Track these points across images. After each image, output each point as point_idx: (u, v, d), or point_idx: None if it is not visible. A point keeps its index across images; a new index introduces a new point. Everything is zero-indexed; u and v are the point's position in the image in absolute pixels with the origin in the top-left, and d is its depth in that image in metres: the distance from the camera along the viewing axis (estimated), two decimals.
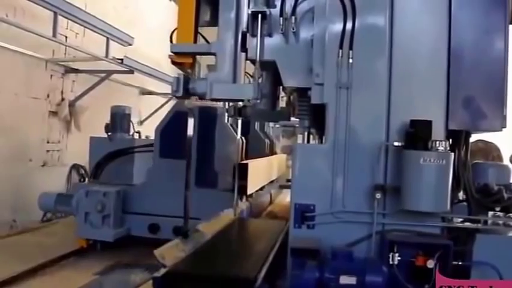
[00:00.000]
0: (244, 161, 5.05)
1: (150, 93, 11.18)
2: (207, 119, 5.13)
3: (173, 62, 3.37)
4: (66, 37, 7.80)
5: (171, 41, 3.50)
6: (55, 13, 6.62)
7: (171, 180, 4.89)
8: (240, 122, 5.18)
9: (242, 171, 4.83)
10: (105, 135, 6.08)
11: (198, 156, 5.03)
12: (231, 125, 5.25)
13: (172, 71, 4.52)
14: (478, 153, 4.17)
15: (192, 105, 4.15)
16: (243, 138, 5.33)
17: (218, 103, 5.01)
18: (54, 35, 6.67)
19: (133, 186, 5.41)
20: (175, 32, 3.34)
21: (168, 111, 5.47)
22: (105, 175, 5.83)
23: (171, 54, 3.38)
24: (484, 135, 4.27)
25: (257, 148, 6.47)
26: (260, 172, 5.93)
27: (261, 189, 6.14)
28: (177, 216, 4.61)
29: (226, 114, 5.05)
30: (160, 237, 4.78)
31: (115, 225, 4.91)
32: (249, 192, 5.02)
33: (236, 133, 5.16)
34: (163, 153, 5.25)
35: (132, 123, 6.44)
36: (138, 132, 6.72)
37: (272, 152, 7.51)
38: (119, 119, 6.19)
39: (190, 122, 3.74)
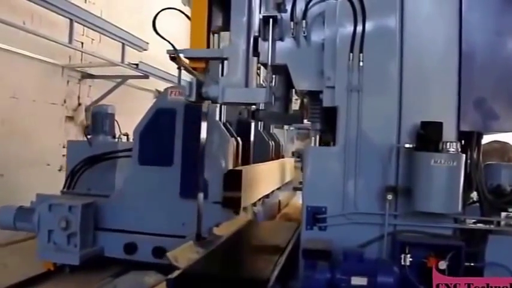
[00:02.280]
0: (238, 168, 4.38)
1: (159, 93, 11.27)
2: (195, 117, 4.16)
3: (171, 58, 3.43)
4: (82, 43, 7.91)
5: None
6: (71, 20, 6.73)
7: (151, 191, 4.39)
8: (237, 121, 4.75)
9: (234, 180, 4.15)
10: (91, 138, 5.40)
11: (183, 161, 4.35)
12: (225, 125, 4.54)
13: (186, 75, 4.40)
14: (493, 154, 4.15)
15: (174, 100, 4.10)
16: (238, 139, 4.66)
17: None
18: (70, 41, 6.78)
19: (108, 199, 4.60)
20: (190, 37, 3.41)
21: (149, 108, 4.68)
22: (82, 184, 5.12)
23: (169, 50, 3.41)
24: (499, 136, 4.25)
25: (260, 151, 5.81)
26: (262, 179, 5.26)
27: (267, 196, 5.56)
28: (158, 234, 4.26)
29: (217, 110, 4.35)
30: (138, 258, 4.24)
31: (83, 245, 4.17)
32: (243, 205, 4.24)
33: (231, 134, 4.52)
34: (143, 159, 4.51)
35: (118, 125, 5.66)
36: (126, 134, 5.72)
37: (278, 156, 6.78)
38: (101, 120, 5.49)
39: (204, 125, 3.70)
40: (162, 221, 4.28)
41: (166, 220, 4.32)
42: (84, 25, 7.30)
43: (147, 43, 8.67)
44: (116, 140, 5.47)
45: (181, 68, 4.17)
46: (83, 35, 7.94)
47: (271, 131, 6.78)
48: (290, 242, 3.51)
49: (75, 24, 6.87)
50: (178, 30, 4.30)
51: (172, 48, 3.24)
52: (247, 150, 5.16)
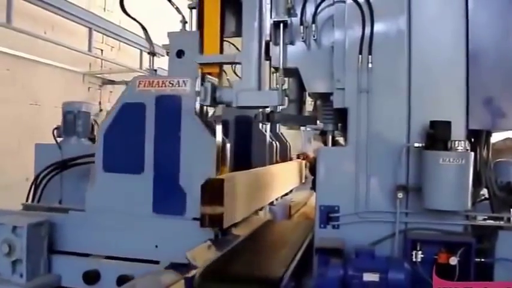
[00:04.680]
0: (219, 176, 3.56)
1: None
2: (170, 112, 3.61)
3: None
4: (102, 50, 8.10)
5: None
6: (90, 29, 6.90)
7: (118, 204, 3.68)
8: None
9: (214, 191, 3.37)
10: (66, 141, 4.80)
11: (156, 167, 3.64)
12: (207, 123, 3.68)
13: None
14: (506, 151, 4.16)
15: (144, 92, 3.44)
16: (225, 139, 3.88)
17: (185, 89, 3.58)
18: (89, 49, 6.97)
19: (66, 215, 3.82)
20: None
21: (115, 103, 3.91)
22: (52, 195, 4.47)
23: (165, 44, 3.72)
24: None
25: (261, 153, 5.18)
26: (258, 188, 4.51)
27: (271, 203, 5.00)
28: (126, 258, 3.60)
29: (197, 102, 3.54)
30: None
31: (32, 274, 3.43)
32: (225, 225, 3.44)
33: (214, 133, 3.66)
34: (107, 165, 3.76)
35: (97, 124, 4.98)
36: None
37: (286, 158, 6.12)
38: (72, 120, 4.83)
39: (219, 129, 3.67)
40: (130, 242, 3.61)
41: (135, 241, 3.63)
42: (103, 33, 7.49)
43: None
44: (91, 142, 4.84)
45: (154, 54, 4.18)
46: (102, 42, 8.14)
47: (277, 131, 6.18)
48: (305, 241, 3.58)
49: (94, 33, 7.06)
50: None
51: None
52: (245, 153, 4.77)
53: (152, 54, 4.29)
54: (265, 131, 5.44)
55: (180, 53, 3.63)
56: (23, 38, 6.38)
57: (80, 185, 4.07)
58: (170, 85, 3.61)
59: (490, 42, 2.91)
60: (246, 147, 4.68)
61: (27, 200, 4.48)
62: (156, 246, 3.55)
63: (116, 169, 3.72)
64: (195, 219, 3.44)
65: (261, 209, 4.71)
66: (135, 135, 3.63)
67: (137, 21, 4.16)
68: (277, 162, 5.65)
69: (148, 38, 4.25)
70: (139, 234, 3.61)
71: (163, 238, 3.54)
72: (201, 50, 3.56)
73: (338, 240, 2.93)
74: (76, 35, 7.26)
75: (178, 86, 3.58)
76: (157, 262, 3.45)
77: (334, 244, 2.86)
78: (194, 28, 3.72)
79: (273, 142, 5.64)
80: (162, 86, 3.61)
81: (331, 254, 2.75)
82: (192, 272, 2.86)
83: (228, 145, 3.93)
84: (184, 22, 3.81)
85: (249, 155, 4.77)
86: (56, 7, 6.64)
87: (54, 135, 4.72)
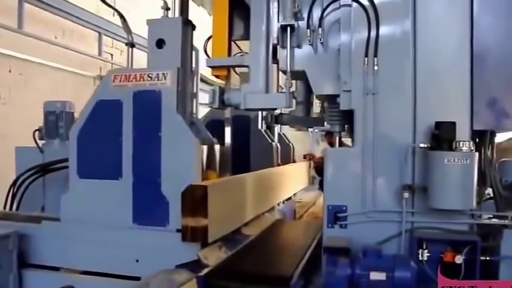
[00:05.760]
0: (202, 183, 3.25)
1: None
2: (150, 110, 3.32)
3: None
4: (111, 55, 8.20)
5: (205, 52, 3.68)
6: (99, 33, 6.99)
7: (95, 214, 3.42)
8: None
9: (196, 200, 3.07)
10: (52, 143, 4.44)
11: (136, 173, 3.35)
12: (192, 122, 3.42)
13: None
14: (511, 151, 4.18)
15: (120, 88, 3.13)
16: (214, 140, 3.64)
17: (165, 83, 3.35)
18: (99, 53, 7.06)
19: (39, 226, 3.58)
20: (210, 44, 3.57)
21: (88, 101, 3.54)
22: (35, 202, 4.20)
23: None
24: None
25: (260, 155, 4.90)
26: (254, 194, 4.19)
27: (272, 208, 4.73)
28: (104, 274, 3.35)
29: (173, 98, 3.27)
30: None
31: None
32: (210, 240, 3.18)
33: (199, 133, 3.43)
34: (82, 170, 3.47)
35: None
36: None
37: (288, 160, 5.86)
38: (54, 121, 4.46)
39: (228, 130, 3.78)
40: (108, 256, 3.33)
41: (114, 255, 3.36)
42: (112, 38, 7.57)
43: None
44: None
45: (133, 45, 3.96)
46: (112, 47, 8.23)
47: (279, 132, 5.93)
48: (314, 240, 3.63)
49: (104, 37, 7.15)
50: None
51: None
52: (243, 156, 4.50)
53: (131, 45, 4.07)
54: (264, 132, 5.18)
55: (160, 43, 3.42)
56: (34, 43, 6.48)
57: (63, 191, 3.71)
58: (149, 79, 3.34)
59: (494, 44, 2.94)
60: (244, 148, 4.42)
61: (4, 207, 4.24)
62: (137, 261, 3.32)
63: (91, 175, 3.45)
64: (179, 230, 3.18)
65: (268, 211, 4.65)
66: (111, 137, 3.34)
67: (115, 9, 4.01)
68: (278, 164, 5.41)
69: (126, 27, 3.97)
70: (118, 248, 3.36)
71: (144, 252, 3.29)
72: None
73: (346, 239, 2.98)
74: (86, 40, 7.37)
75: (158, 79, 3.32)
76: (138, 278, 3.20)
77: (341, 243, 2.91)
78: (177, 15, 3.54)
79: (273, 143, 5.38)
80: (139, 80, 3.33)
81: (339, 253, 2.79)
82: (204, 271, 2.93)
83: (217, 146, 3.63)
84: (166, 8, 3.60)
85: (247, 157, 4.52)
86: (66, 12, 6.74)
87: (34, 138, 4.41)
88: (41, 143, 4.51)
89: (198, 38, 3.78)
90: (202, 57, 3.80)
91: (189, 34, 3.62)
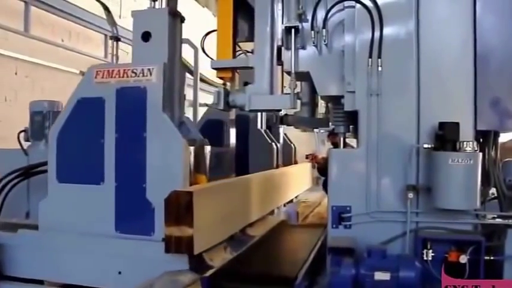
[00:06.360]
0: (188, 188, 3.03)
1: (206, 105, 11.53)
2: (134, 108, 3.11)
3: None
4: (118, 57, 8.23)
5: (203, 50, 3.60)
6: (106, 36, 7.05)
7: (75, 222, 3.19)
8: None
9: (180, 208, 2.82)
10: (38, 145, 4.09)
11: (119, 177, 3.13)
12: (182, 122, 3.24)
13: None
14: None
15: (103, 85, 2.87)
16: (205, 141, 3.40)
17: (150, 79, 3.16)
18: (105, 56, 7.10)
19: (14, 235, 3.35)
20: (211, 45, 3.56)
21: (68, 99, 3.34)
22: (19, 208, 3.91)
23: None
24: None
25: (260, 155, 4.66)
26: (251, 198, 3.98)
27: (271, 213, 4.52)
28: (83, 287, 3.15)
29: (158, 94, 3.06)
30: None
31: None
32: (197, 251, 2.93)
33: (189, 133, 3.19)
34: (62, 174, 3.25)
35: None
36: None
37: (290, 161, 5.64)
38: (41, 122, 4.13)
39: (233, 132, 3.77)
40: (90, 268, 3.12)
41: (96, 267, 3.15)
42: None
43: None
44: None
45: (118, 39, 3.73)
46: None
47: (280, 132, 5.65)
48: (319, 240, 3.65)
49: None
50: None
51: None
52: (242, 156, 4.31)
53: (116, 39, 3.89)
54: (264, 132, 4.96)
55: (146, 36, 3.25)
56: (41, 46, 6.53)
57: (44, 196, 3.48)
58: (133, 75, 3.14)
59: (497, 44, 2.95)
60: (243, 149, 4.16)
61: None
62: (120, 273, 3.11)
63: (71, 179, 3.22)
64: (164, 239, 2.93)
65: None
66: (92, 138, 3.13)
67: (99, 1, 3.85)
68: (278, 165, 5.19)
69: (110, 19, 3.82)
70: (99, 258, 3.14)
71: (127, 263, 3.07)
72: None
73: (350, 239, 2.99)
74: (92, 42, 7.42)
75: (143, 75, 3.12)
76: None
77: (346, 243, 2.92)
78: (164, 5, 3.38)
79: (272, 143, 5.12)
80: (123, 76, 3.13)
81: (343, 253, 2.81)
82: (209, 272, 2.95)
83: (208, 148, 3.37)
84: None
85: (246, 157, 4.27)
86: (72, 15, 6.79)
87: (19, 140, 4.12)
88: (27, 144, 4.24)
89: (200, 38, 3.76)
90: (202, 57, 3.80)
91: (177, 26, 3.43)
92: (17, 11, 6.46)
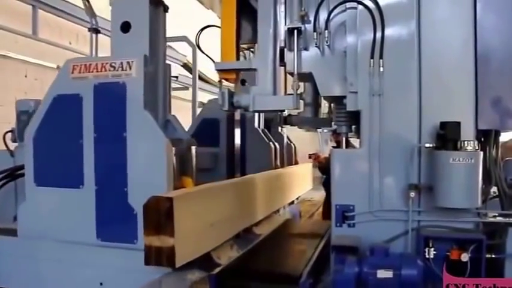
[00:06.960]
0: (169, 193, 2.78)
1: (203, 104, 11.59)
2: (113, 105, 2.89)
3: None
4: (97, 50, 8.30)
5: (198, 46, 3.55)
6: None
7: (54, 228, 2.99)
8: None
9: (160, 215, 2.56)
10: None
11: (98, 180, 2.92)
12: (167, 120, 3.07)
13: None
14: None
15: (79, 81, 2.64)
16: (192, 140, 3.19)
17: (130, 73, 2.96)
18: None
19: None
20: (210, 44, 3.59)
21: (44, 96, 3.16)
22: (6, 211, 3.72)
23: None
24: None
25: (257, 155, 4.48)
26: (250, 200, 3.81)
27: (271, 215, 4.40)
28: None
29: (140, 91, 2.83)
30: None
31: None
32: (179, 263, 2.70)
33: (175, 132, 2.99)
34: (40, 177, 3.06)
35: None
36: None
37: (291, 161, 5.50)
38: (27, 122, 3.69)
39: (237, 132, 3.80)
40: (69, 278, 2.92)
41: (76, 277, 2.96)
42: None
43: (185, 55, 8.99)
44: None
45: (97, 31, 3.49)
46: None
47: (280, 131, 5.47)
48: (323, 239, 3.69)
49: None
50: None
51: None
52: (241, 157, 4.10)
53: (95, 31, 3.68)
54: (262, 132, 4.77)
55: (125, 26, 3.04)
56: (50, 48, 6.61)
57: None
58: (112, 69, 2.93)
59: (498, 44, 2.97)
60: (240, 148, 3.95)
61: None
62: (101, 284, 2.93)
63: (50, 182, 3.00)
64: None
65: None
66: (71, 138, 2.92)
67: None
68: (276, 166, 5.01)
69: (89, 10, 3.62)
70: (79, 268, 2.93)
71: (109, 273, 2.86)
72: None
73: (353, 238, 3.03)
74: (101, 45, 7.47)
75: (122, 69, 2.90)
76: None
77: (349, 242, 2.96)
78: None
79: (270, 143, 4.95)
80: (101, 71, 2.93)
81: (347, 252, 2.84)
82: (216, 270, 2.99)
83: (194, 148, 3.13)
84: None
85: (243, 157, 4.05)
86: (79, 18, 6.85)
87: (4, 141, 3.95)
88: (14, 145, 4.06)
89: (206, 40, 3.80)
90: (202, 57, 3.62)
91: (160, 16, 3.20)
92: (25, 14, 6.54)
